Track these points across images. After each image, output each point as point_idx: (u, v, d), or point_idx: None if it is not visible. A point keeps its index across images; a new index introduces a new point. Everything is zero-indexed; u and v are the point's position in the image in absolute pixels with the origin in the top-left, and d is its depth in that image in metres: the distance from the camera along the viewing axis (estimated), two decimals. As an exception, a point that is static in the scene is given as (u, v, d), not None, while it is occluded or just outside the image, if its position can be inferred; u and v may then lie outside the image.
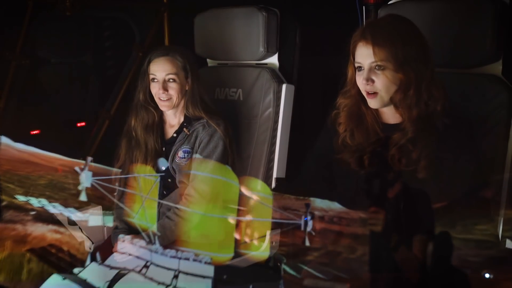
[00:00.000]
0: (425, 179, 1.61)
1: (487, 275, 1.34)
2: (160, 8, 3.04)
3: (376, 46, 1.64)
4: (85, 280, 1.79)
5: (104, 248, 2.20)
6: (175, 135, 2.27)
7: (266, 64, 2.50)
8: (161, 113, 2.30)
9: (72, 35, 3.35)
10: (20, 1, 2.96)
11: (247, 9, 2.47)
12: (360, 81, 1.70)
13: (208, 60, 2.69)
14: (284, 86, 2.39)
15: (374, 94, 1.69)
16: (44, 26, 3.18)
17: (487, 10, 1.86)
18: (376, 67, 1.66)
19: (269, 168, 2.38)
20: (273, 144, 2.38)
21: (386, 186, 1.60)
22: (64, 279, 1.78)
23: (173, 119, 2.29)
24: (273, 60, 2.49)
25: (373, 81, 1.67)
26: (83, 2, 2.92)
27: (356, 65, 1.71)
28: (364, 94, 1.72)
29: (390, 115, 1.75)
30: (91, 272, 1.83)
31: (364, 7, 2.32)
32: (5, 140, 1.92)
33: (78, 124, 3.25)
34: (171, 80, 2.20)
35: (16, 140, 1.92)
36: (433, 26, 1.92)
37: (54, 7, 2.90)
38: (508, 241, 1.72)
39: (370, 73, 1.67)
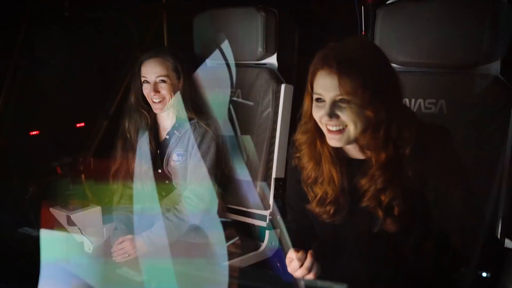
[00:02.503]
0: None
1: (484, 274, 1.35)
2: (159, 9, 3.03)
3: (342, 76, 1.38)
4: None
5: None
6: (167, 137, 2.27)
7: (265, 64, 2.50)
8: (154, 115, 2.30)
9: (70, 36, 3.35)
10: (18, 2, 2.96)
11: (246, 9, 2.47)
12: (320, 114, 1.45)
13: (207, 60, 2.68)
14: (283, 86, 2.39)
15: (339, 131, 1.44)
16: (42, 26, 3.17)
17: (485, 10, 1.86)
18: (341, 101, 1.42)
19: (268, 168, 2.38)
20: (272, 144, 2.38)
21: (365, 232, 1.50)
22: None
23: (166, 121, 2.29)
24: (272, 60, 2.49)
25: (337, 117, 1.42)
26: (82, 2, 2.92)
27: (315, 96, 1.46)
28: (324, 129, 1.48)
29: (354, 151, 1.54)
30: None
31: (362, 7, 2.33)
32: None
33: (78, 125, 3.25)
34: (162, 81, 2.20)
35: (15, 140, 1.92)
36: (432, 26, 1.92)
37: (52, 8, 2.90)
38: (507, 240, 1.72)
39: (334, 108, 1.42)
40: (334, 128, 1.45)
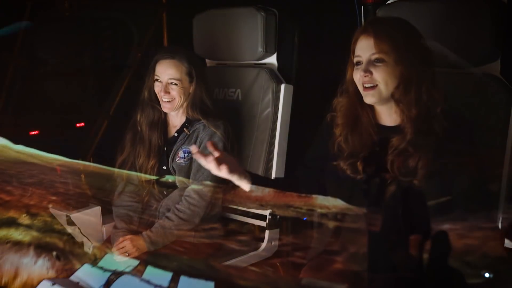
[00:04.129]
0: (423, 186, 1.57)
1: (486, 275, 1.35)
2: (159, 9, 3.03)
3: (377, 38, 1.60)
4: (77, 283, 1.77)
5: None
6: (176, 134, 2.28)
7: (265, 64, 2.50)
8: (165, 112, 2.31)
9: (70, 36, 3.35)
10: (18, 2, 2.96)
11: (246, 9, 2.47)
12: (358, 74, 1.65)
13: (207, 60, 2.69)
14: (282, 86, 2.39)
15: (371, 87, 1.64)
16: (42, 26, 3.17)
17: (485, 10, 1.86)
18: (376, 60, 1.61)
19: (268, 168, 2.38)
20: (272, 144, 2.38)
21: (384, 192, 1.59)
22: (53, 284, 1.75)
23: (175, 119, 2.31)
24: (272, 60, 2.49)
25: (371, 73, 1.62)
26: (82, 2, 2.92)
27: (355, 59, 1.66)
28: (361, 89, 1.66)
29: (387, 116, 1.70)
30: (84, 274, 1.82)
31: (362, 7, 2.33)
32: (4, 141, 1.92)
33: (77, 125, 3.25)
34: (174, 83, 2.21)
35: (15, 140, 1.92)
36: (432, 26, 1.92)
37: (52, 8, 2.90)
38: (507, 241, 1.72)
39: (369, 65, 1.62)
40: (367, 85, 1.64)
